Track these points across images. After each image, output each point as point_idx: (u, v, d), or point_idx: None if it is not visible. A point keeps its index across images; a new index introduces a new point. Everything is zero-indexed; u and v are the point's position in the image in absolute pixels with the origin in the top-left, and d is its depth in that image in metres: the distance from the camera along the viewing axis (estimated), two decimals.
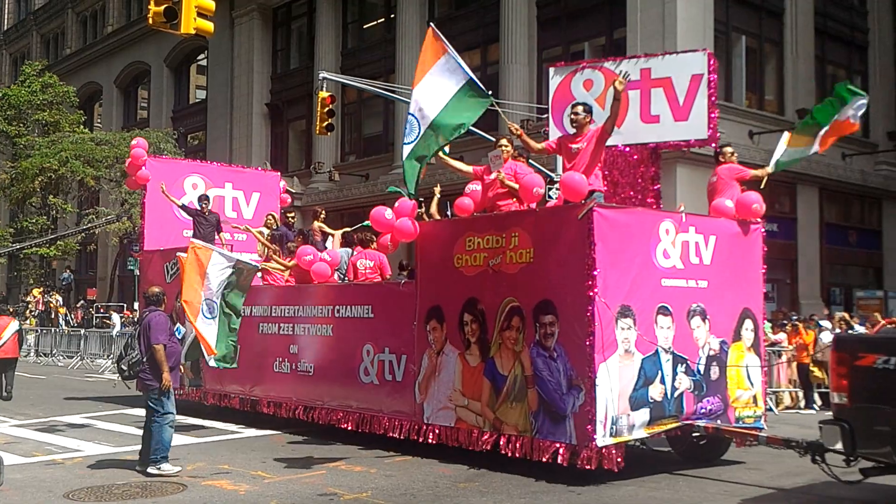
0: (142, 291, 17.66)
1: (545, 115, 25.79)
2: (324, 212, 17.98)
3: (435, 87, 11.22)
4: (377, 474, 10.88)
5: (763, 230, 11.94)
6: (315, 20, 37.80)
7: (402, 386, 12.30)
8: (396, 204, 12.32)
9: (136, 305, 31.46)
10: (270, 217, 17.04)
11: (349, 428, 12.99)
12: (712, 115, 12.82)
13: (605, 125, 10.96)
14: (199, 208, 16.89)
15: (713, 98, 12.78)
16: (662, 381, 10.63)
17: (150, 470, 10.65)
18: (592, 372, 10.02)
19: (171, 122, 45.49)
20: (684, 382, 10.84)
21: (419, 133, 11.19)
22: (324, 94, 21.79)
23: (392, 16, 34.80)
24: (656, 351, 10.58)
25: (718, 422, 11.05)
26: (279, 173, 20.21)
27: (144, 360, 10.69)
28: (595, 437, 9.98)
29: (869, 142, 30.48)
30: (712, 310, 11.16)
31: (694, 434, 11.14)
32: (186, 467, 11.05)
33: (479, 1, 31.68)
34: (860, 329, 19.61)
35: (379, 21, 36.49)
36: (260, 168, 20.13)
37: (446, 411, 11.68)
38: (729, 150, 12.37)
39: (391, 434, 12.34)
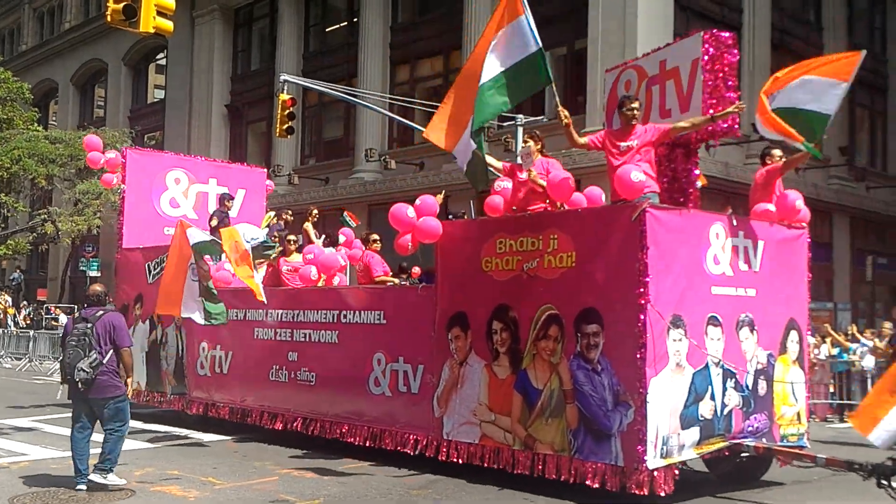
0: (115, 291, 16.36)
1: (506, 123, 25.50)
2: (316, 211, 16.70)
3: (501, 50, 9.97)
4: (330, 481, 10.45)
5: (808, 238, 10.95)
6: (277, 22, 36.78)
7: (419, 398, 11.14)
8: (418, 201, 11.17)
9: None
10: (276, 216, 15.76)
11: (357, 442, 11.75)
12: (711, 102, 11.13)
13: (669, 130, 9.95)
14: (221, 208, 15.59)
15: (710, 82, 11.09)
16: (712, 398, 9.62)
17: (94, 478, 9.57)
18: (644, 387, 8.97)
19: (129, 122, 43.87)
20: (733, 398, 9.84)
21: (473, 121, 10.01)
22: (284, 96, 21.18)
23: (355, 20, 33.94)
24: (706, 365, 9.56)
25: (764, 440, 10.02)
26: (265, 170, 18.87)
27: (104, 362, 9.45)
28: (646, 458, 8.93)
29: (823, 154, 29.90)
30: (760, 320, 10.19)
31: (743, 455, 10.08)
32: (135, 472, 10.54)
33: (442, 7, 31.08)
34: (865, 341, 18.94)
35: (341, 25, 35.64)
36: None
37: (470, 426, 10.53)
38: (778, 152, 11.16)
39: (403, 450, 11.14)
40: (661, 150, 10.90)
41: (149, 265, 15.51)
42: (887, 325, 18.77)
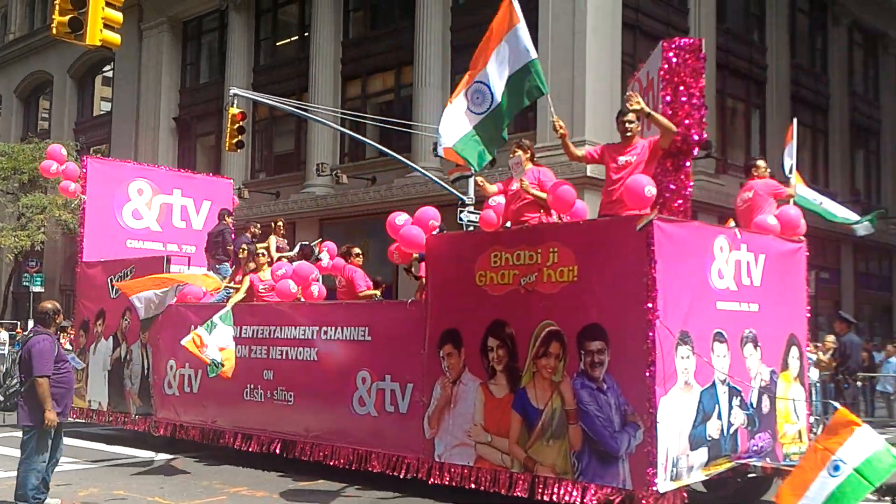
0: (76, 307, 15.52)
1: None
2: (281, 223, 16.02)
3: (502, 61, 9.52)
4: (279, 500, 10.19)
5: (806, 252, 10.58)
6: (227, 35, 36.04)
7: (408, 418, 10.54)
8: (419, 212, 10.65)
9: (30, 324, 28.70)
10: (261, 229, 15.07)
11: (340, 465, 11.11)
12: (668, 113, 10.00)
13: (659, 141, 9.45)
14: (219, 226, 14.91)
15: (668, 94, 10.27)
16: (719, 417, 9.21)
17: None
18: (653, 407, 8.50)
19: (74, 134, 42.57)
20: (739, 417, 9.42)
21: (489, 108, 9.63)
22: (234, 110, 20.52)
23: (306, 34, 33.52)
24: (714, 383, 9.11)
25: (768, 460, 9.59)
26: (231, 180, 18.13)
27: (22, 391, 8.78)
28: (656, 481, 8.41)
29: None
30: (763, 336, 9.79)
31: (750, 475, 9.64)
32: (79, 493, 10.23)
33: (394, 23, 30.95)
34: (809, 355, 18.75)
35: (292, 39, 35.19)
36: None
37: (464, 448, 9.95)
38: (762, 164, 10.96)
39: (391, 473, 10.52)
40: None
41: (111, 280, 14.69)
42: (830, 338, 18.71)
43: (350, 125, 26.97)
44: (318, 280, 12.70)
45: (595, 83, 24.06)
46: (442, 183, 23.97)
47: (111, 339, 14.69)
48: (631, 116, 9.61)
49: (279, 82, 33.38)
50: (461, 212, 23.63)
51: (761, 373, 9.73)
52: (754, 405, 9.61)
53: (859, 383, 19.03)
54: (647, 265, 8.59)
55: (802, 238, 10.55)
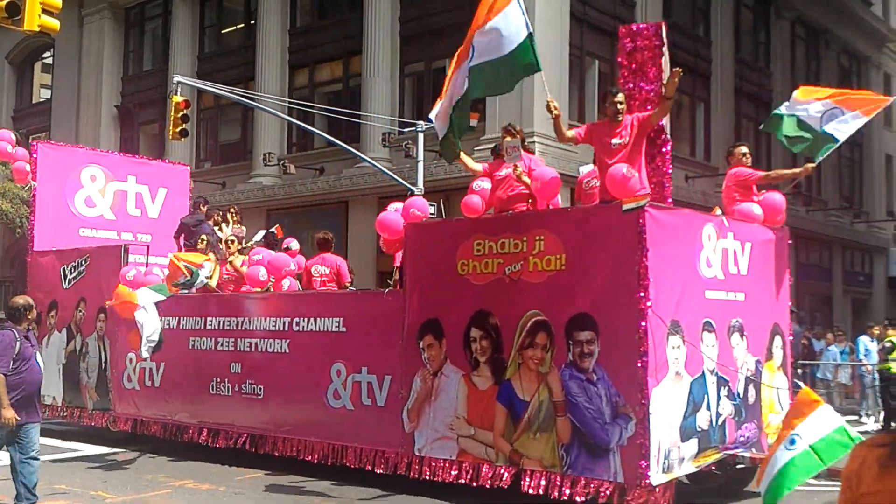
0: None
1: (406, 129, 24.94)
2: (235, 209, 15.43)
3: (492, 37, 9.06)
4: (226, 492, 9.96)
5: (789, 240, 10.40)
6: (170, 22, 35.02)
7: (385, 411, 10.17)
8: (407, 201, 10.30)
9: None
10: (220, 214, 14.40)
11: (314, 460, 10.68)
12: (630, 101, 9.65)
13: (649, 117, 9.16)
14: (195, 216, 14.21)
15: (625, 79, 9.84)
16: (708, 407, 8.97)
17: None
18: (645, 398, 8.25)
19: (12, 122, 41.02)
20: (727, 408, 9.21)
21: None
22: (178, 98, 20.01)
23: (252, 22, 32.65)
24: (703, 373, 8.87)
25: (753, 450, 9.40)
26: (188, 167, 17.49)
27: None
28: (649, 473, 8.15)
29: (710, 165, 30.25)
30: (749, 325, 9.60)
31: (738, 465, 9.44)
32: None
33: (342, 13, 30.27)
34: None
35: (238, 27, 34.21)
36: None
37: (445, 442, 9.62)
38: (741, 150, 10.60)
39: (370, 468, 10.12)
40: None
41: (64, 269, 14.08)
42: None
43: (298, 115, 26.46)
44: (294, 276, 12.24)
45: (544, 74, 23.67)
46: (391, 174, 23.80)
47: (64, 331, 14.06)
48: (621, 97, 9.33)
49: (225, 70, 32.50)
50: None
51: (747, 362, 9.55)
52: (741, 395, 9.42)
53: (800, 370, 19.14)
54: (638, 253, 8.34)
55: (785, 226, 10.36)
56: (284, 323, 11.21)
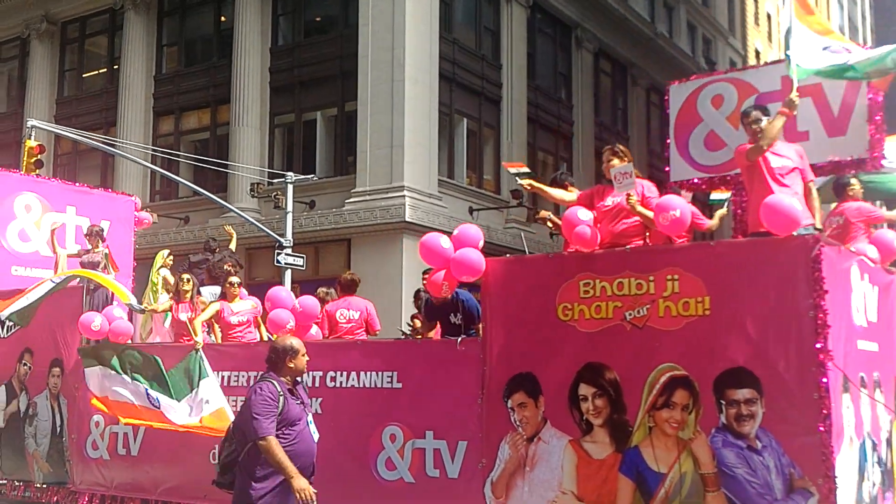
0: None
1: (276, 180, 23.24)
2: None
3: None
4: None
5: None
6: (27, 64, 33.06)
7: (460, 484, 7.98)
8: (457, 230, 8.18)
9: None
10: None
11: None
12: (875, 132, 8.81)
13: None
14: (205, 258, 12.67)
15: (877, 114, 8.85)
16: (868, 477, 7.24)
17: None
18: (830, 469, 6.46)
19: None
20: (877, 476, 7.54)
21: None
22: (31, 142, 18.85)
23: (115, 67, 31.18)
24: (864, 437, 7.19)
25: None
26: (134, 198, 14.85)
27: None
28: None
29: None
30: (883, 379, 7.96)
31: None
32: None
33: (210, 60, 29.29)
34: None
35: (101, 71, 32.51)
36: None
37: None
38: (856, 182, 9.20)
39: None
40: None
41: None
42: None
43: (162, 163, 25.54)
44: (320, 323, 9.95)
45: (414, 132, 24.11)
46: (259, 224, 22.64)
47: (3, 388, 11.19)
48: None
49: (85, 115, 31.04)
50: (279, 254, 21.96)
51: (883, 421, 7.93)
52: (884, 458, 7.79)
53: None
54: (816, 296, 6.63)
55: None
56: (316, 378, 8.87)
